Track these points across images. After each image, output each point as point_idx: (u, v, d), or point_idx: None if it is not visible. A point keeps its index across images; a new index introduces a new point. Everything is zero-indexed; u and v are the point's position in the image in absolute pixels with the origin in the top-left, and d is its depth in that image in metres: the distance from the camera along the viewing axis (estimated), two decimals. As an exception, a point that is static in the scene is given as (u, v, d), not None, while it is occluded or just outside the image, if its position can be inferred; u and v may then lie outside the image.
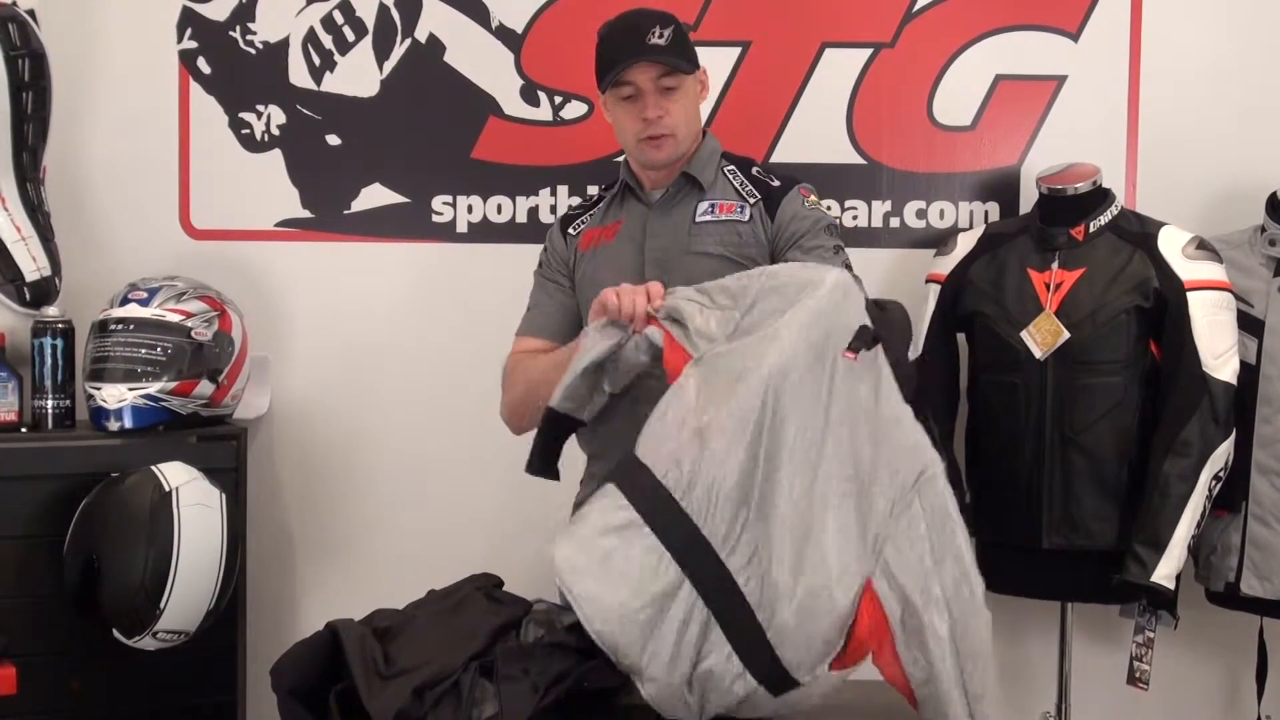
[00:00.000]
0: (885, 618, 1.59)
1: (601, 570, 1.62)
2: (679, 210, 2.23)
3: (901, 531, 1.60)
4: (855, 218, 2.92)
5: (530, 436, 1.98)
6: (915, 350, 1.86)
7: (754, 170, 2.27)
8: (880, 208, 2.92)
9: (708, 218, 2.20)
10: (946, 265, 2.73)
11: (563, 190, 2.93)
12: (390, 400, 3.00)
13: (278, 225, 2.98)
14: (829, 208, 2.71)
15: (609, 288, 1.88)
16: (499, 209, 2.95)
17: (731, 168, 2.27)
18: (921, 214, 2.93)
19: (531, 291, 2.36)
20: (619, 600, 1.60)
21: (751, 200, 2.21)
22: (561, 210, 2.83)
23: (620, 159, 2.35)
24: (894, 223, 2.93)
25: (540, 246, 2.41)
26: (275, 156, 2.97)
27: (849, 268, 2.02)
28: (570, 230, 2.34)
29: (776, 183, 2.23)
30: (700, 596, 1.58)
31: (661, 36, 2.12)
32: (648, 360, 1.85)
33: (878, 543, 1.59)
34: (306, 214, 2.98)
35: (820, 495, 1.59)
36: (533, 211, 2.94)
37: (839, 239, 2.17)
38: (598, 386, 1.89)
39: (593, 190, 2.67)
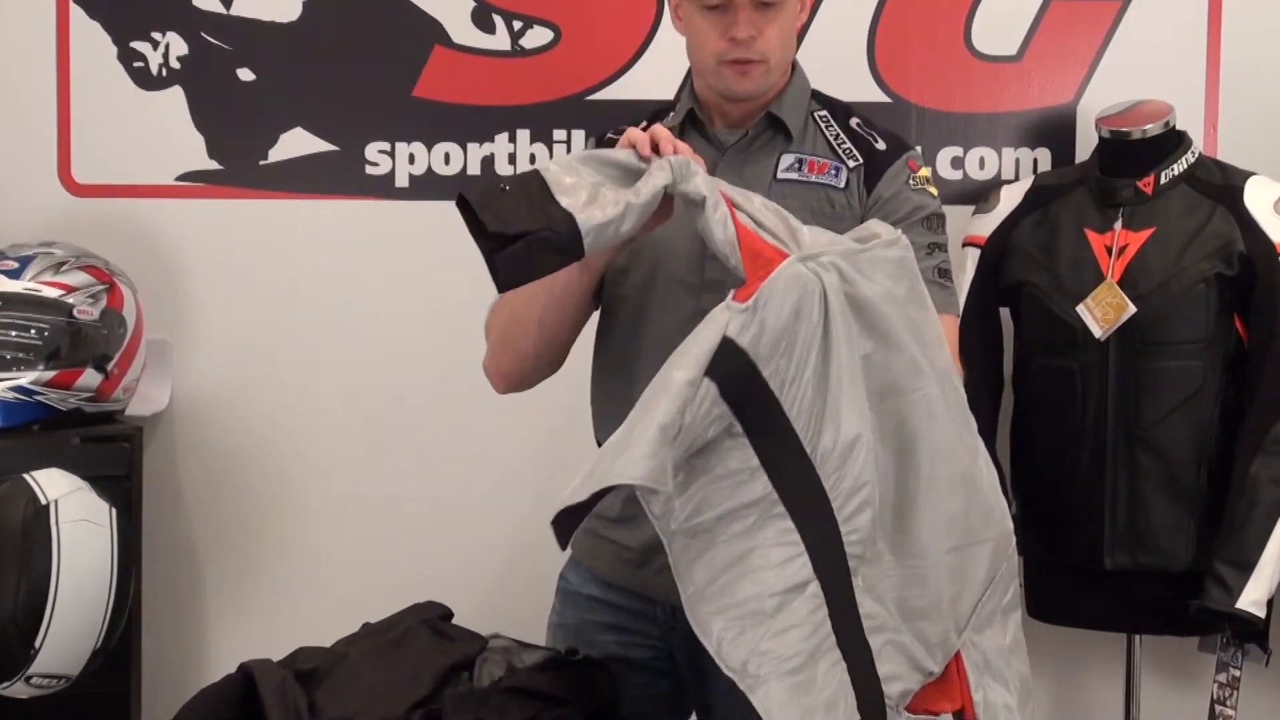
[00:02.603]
0: (967, 679, 1.75)
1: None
2: (758, 160, 2.09)
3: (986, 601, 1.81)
4: (880, 166, 2.92)
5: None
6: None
7: (853, 122, 2.15)
8: (908, 155, 2.91)
9: (793, 175, 2.07)
10: (987, 225, 2.72)
11: (523, 135, 2.92)
12: (316, 392, 2.98)
13: (179, 179, 2.97)
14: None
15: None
16: (446, 159, 2.95)
17: (824, 113, 2.14)
18: (958, 162, 2.93)
19: None
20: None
21: (851, 163, 2.09)
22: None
23: (677, 86, 2.24)
24: (925, 173, 2.94)
25: None
26: (175, 95, 2.96)
27: (945, 273, 2.02)
28: None
29: (881, 145, 2.12)
30: (825, 601, 1.68)
31: None
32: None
33: (977, 610, 1.78)
34: (214, 165, 2.98)
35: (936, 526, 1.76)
36: (487, 161, 2.94)
37: (941, 233, 2.08)
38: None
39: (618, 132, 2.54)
